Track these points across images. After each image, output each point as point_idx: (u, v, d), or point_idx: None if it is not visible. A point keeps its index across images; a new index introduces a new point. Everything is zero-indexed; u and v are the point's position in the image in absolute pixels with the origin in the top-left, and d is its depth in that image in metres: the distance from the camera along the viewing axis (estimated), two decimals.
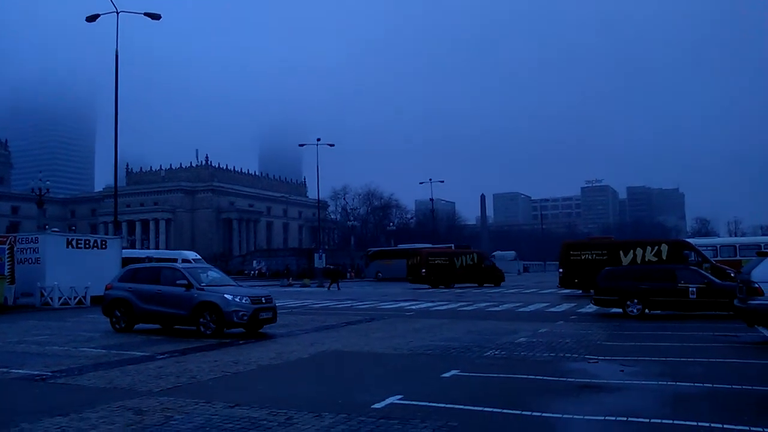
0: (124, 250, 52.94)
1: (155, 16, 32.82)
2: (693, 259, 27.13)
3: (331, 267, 51.11)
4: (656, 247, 28.37)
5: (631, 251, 28.32)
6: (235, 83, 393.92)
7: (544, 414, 7.02)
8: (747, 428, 6.31)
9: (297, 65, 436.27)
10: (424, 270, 43.97)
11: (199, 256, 47.43)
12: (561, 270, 30.13)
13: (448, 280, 44.03)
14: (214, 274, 16.88)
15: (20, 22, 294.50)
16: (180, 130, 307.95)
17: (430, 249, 49.96)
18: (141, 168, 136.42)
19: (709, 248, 34.10)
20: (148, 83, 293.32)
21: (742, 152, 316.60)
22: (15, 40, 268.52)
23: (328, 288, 43.93)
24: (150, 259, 42.96)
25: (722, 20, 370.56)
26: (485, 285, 44.62)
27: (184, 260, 44.57)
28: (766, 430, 6.25)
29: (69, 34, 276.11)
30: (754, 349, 12.30)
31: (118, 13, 32.44)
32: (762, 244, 29.95)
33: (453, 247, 56.73)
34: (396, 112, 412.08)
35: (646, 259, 27.83)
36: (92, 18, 32.82)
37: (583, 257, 29.11)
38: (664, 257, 27.61)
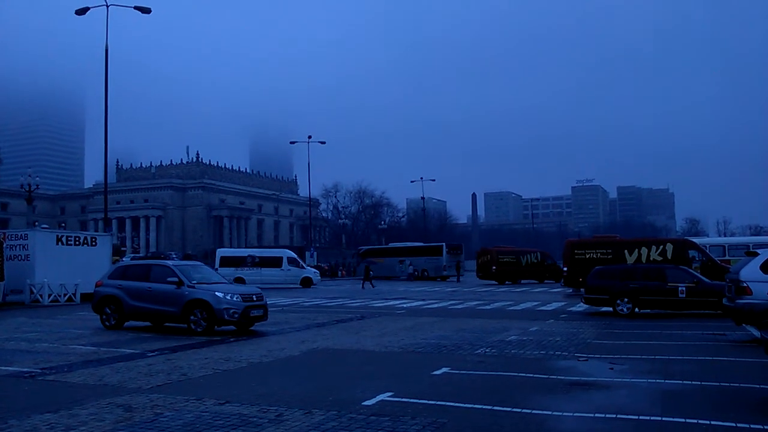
0: (222, 249, 52.09)
1: (145, 10, 32.66)
2: (698, 258, 26.89)
3: (365, 264, 49.97)
4: (661, 247, 27.93)
5: (636, 250, 27.84)
6: (227, 80, 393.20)
7: (534, 411, 7.06)
8: (734, 425, 6.38)
9: (289, 61, 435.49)
10: (494, 267, 45.38)
11: (294, 254, 46.53)
12: (565, 269, 29.99)
13: (515, 277, 45.92)
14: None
15: (7, 16, 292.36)
16: (170, 125, 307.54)
17: (499, 248, 50.81)
18: (131, 164, 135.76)
19: None
20: (138, 77, 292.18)
21: (732, 153, 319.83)
22: (2, 35, 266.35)
23: (362, 287, 41.57)
24: (252, 257, 42.70)
25: (714, 20, 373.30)
26: (546, 281, 45.89)
27: (289, 258, 44.18)
28: (753, 426, 6.32)
29: (58, 28, 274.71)
30: (743, 347, 12.37)
31: (107, 6, 32.31)
32: (750, 244, 30.16)
33: (444, 246, 57.19)
34: (388, 110, 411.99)
35: (651, 258, 27.29)
36: (82, 11, 32.68)
37: (587, 256, 28.62)
38: (669, 256, 26.99)
